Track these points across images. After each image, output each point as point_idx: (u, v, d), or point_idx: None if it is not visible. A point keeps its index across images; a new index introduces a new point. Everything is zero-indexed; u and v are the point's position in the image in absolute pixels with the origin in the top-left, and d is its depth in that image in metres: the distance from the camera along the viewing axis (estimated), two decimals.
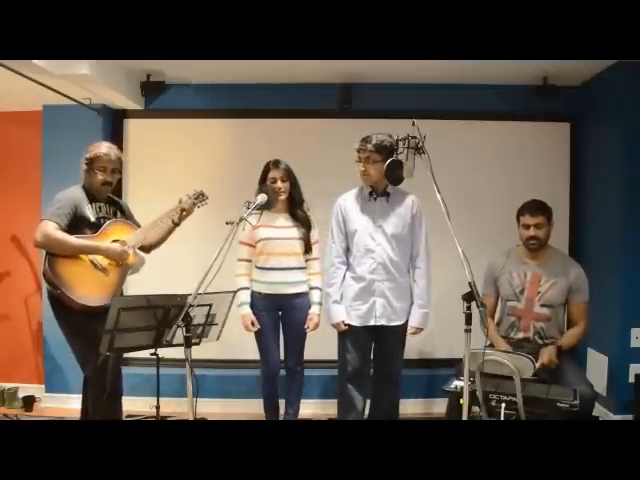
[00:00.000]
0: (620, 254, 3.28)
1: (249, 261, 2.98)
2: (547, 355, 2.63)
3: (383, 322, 2.75)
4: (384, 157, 2.58)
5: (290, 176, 2.93)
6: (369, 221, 2.76)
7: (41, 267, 2.57)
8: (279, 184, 2.90)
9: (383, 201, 2.77)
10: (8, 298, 3.91)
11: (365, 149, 2.66)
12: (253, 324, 2.92)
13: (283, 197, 2.93)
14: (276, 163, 2.93)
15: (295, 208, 2.97)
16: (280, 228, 2.94)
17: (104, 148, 2.66)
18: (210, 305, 2.33)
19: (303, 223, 2.97)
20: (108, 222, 2.65)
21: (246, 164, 3.62)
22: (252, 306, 2.95)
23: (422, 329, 2.80)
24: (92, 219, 2.60)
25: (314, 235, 3.01)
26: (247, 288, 2.96)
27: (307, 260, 3.00)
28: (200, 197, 2.84)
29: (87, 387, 2.66)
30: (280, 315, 3.00)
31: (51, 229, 2.47)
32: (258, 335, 2.98)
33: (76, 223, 2.55)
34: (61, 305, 2.52)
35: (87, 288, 2.51)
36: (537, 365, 2.42)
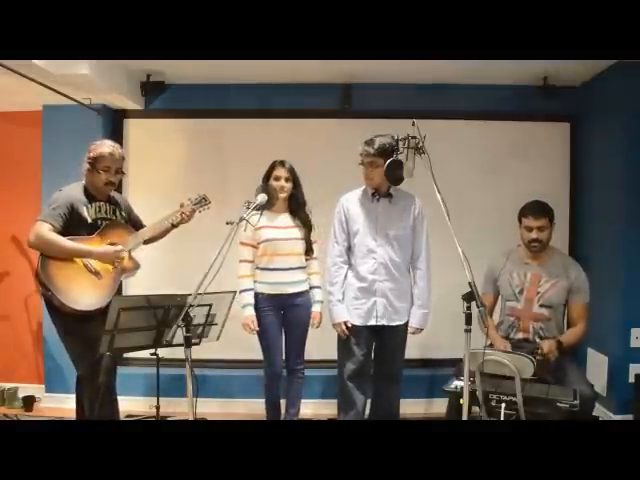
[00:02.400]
0: (620, 254, 3.28)
1: (252, 262, 2.97)
2: (547, 345, 2.62)
3: (384, 322, 2.76)
4: (387, 160, 2.57)
5: (294, 176, 2.95)
6: (371, 221, 2.76)
7: None
8: (282, 182, 2.91)
9: (386, 202, 2.77)
10: (8, 298, 3.91)
11: (368, 153, 2.66)
12: (252, 326, 2.90)
13: (284, 196, 2.93)
14: (282, 162, 2.95)
15: (297, 209, 2.98)
16: (281, 228, 2.94)
17: (108, 147, 2.61)
18: (210, 305, 2.33)
19: (305, 224, 2.97)
20: (105, 224, 2.63)
21: (246, 164, 3.62)
22: (256, 307, 2.93)
23: (422, 329, 2.81)
24: (89, 220, 2.57)
25: (314, 235, 3.03)
26: (251, 289, 2.93)
27: (307, 259, 3.01)
28: (202, 202, 2.81)
29: (80, 387, 2.65)
30: (282, 315, 3.00)
31: (44, 230, 2.44)
32: (262, 336, 2.97)
33: (72, 224, 2.52)
34: (52, 306, 2.50)
35: (79, 291, 2.49)
36: (537, 355, 2.41)
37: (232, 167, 3.78)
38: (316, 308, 3.00)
